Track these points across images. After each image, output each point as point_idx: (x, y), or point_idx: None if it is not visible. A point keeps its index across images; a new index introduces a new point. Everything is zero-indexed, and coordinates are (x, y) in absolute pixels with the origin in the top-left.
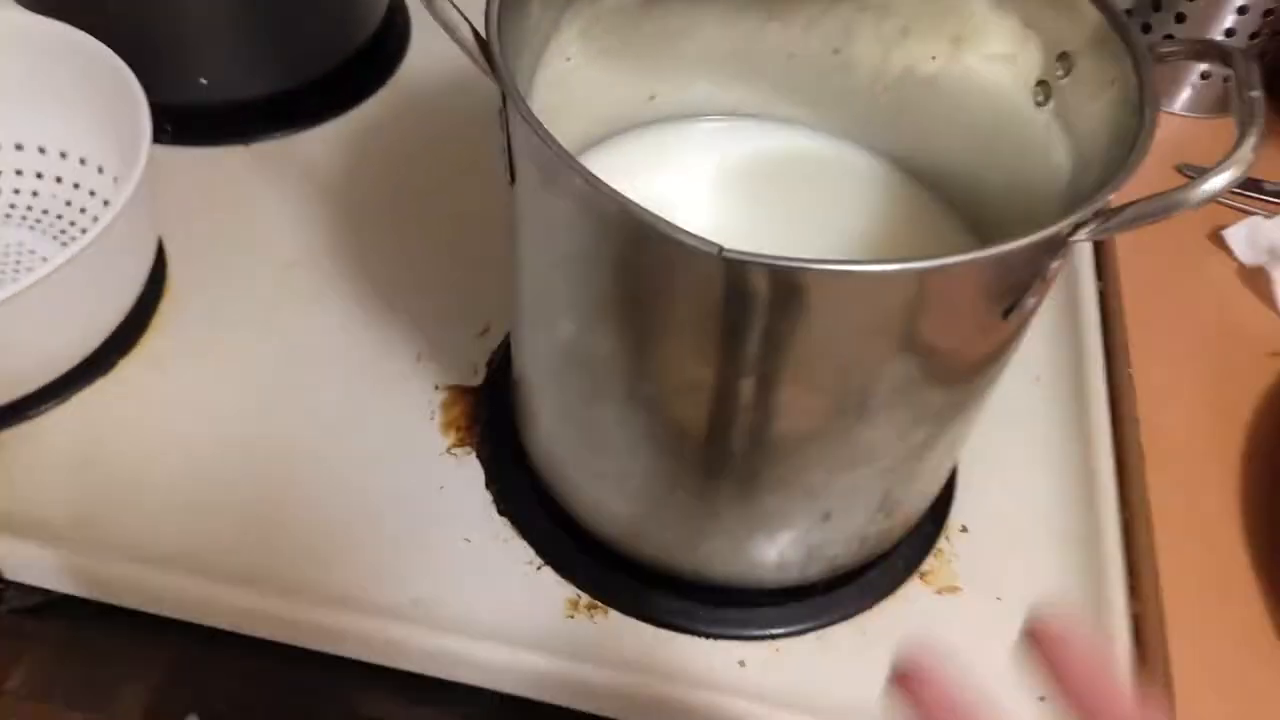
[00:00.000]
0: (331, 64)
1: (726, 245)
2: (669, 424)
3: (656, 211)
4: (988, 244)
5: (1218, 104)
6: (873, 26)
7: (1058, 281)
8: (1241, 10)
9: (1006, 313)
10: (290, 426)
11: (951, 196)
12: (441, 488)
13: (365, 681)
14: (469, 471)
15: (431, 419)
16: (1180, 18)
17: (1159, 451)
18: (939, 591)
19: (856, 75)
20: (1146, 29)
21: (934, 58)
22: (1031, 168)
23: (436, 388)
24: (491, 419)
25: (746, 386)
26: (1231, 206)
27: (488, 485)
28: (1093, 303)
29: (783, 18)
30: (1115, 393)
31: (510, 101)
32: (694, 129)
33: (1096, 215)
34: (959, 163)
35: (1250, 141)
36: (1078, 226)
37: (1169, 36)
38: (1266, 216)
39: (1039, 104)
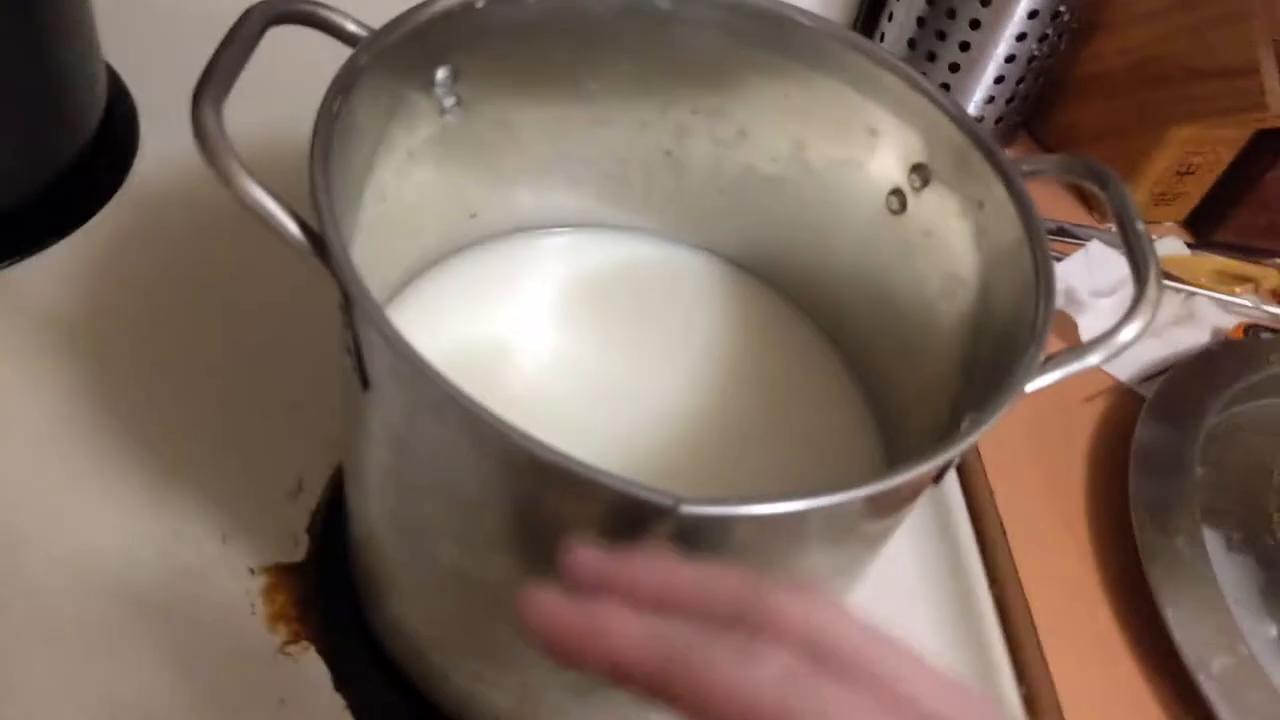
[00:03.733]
0: (45, 176)
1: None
2: None
3: (497, 342)
4: (843, 348)
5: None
6: (706, 128)
7: None
8: (1031, 15)
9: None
10: (75, 664)
11: (800, 296)
12: (282, 701)
13: None
14: (311, 673)
15: (253, 613)
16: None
17: (1012, 521)
18: None
19: (689, 176)
20: (941, 36)
21: (774, 159)
22: (890, 271)
23: (253, 571)
24: (327, 600)
25: None
26: None
27: (337, 687)
28: None
29: (611, 122)
30: (965, 478)
31: (364, 319)
32: (521, 247)
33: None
34: (806, 262)
35: (1151, 285)
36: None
37: (965, 44)
38: (1056, 259)
39: (894, 211)
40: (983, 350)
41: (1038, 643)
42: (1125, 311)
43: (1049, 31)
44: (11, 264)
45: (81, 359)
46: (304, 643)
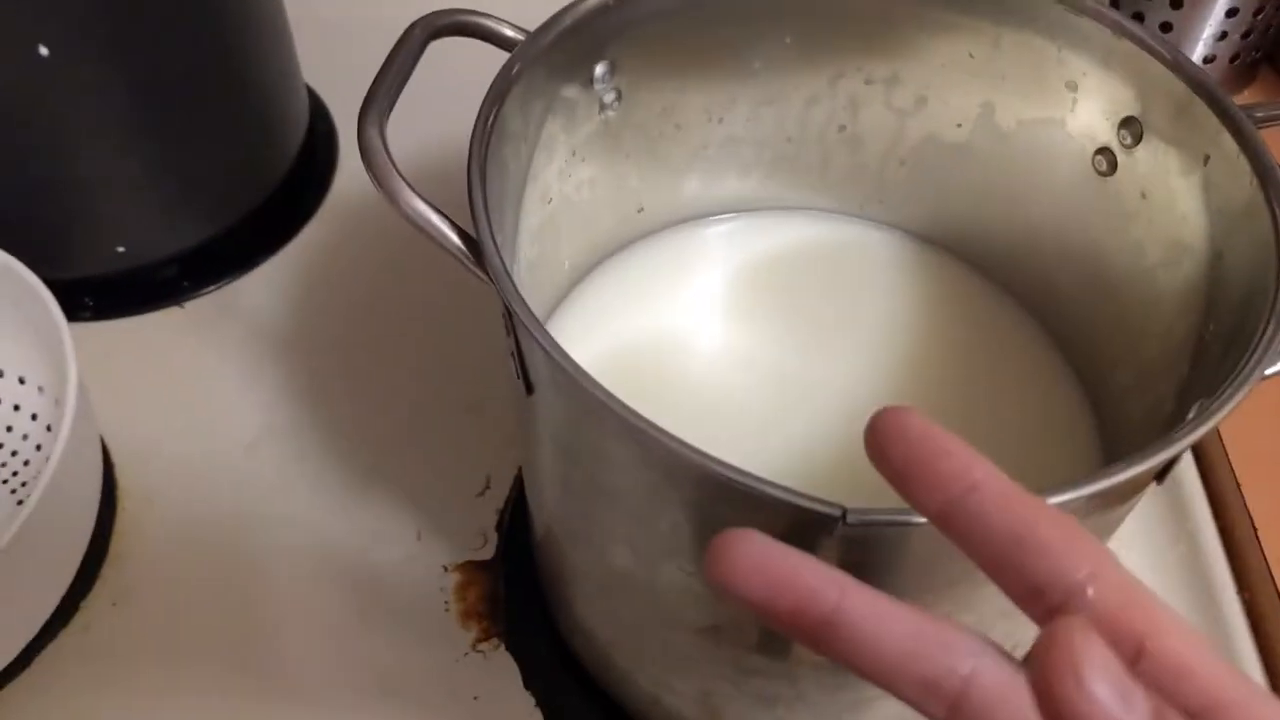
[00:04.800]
0: (259, 199)
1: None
2: (742, 644)
3: (674, 337)
4: (1051, 326)
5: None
6: (882, 98)
7: None
8: None
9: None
10: (282, 655)
11: (998, 271)
12: (475, 698)
13: None
14: (502, 671)
15: (447, 610)
16: (1176, 2)
17: (1266, 517)
18: None
19: (866, 150)
20: (1139, 17)
21: (960, 125)
22: (1101, 239)
23: (446, 569)
24: (515, 599)
25: None
26: None
27: (527, 685)
28: None
29: (778, 101)
30: (1206, 467)
31: (523, 327)
32: (690, 237)
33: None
34: (1003, 234)
35: None
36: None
37: (1166, 25)
38: None
39: (1102, 173)
40: (1215, 327)
41: None
42: None
43: None
44: (235, 279)
45: (289, 365)
46: (494, 640)
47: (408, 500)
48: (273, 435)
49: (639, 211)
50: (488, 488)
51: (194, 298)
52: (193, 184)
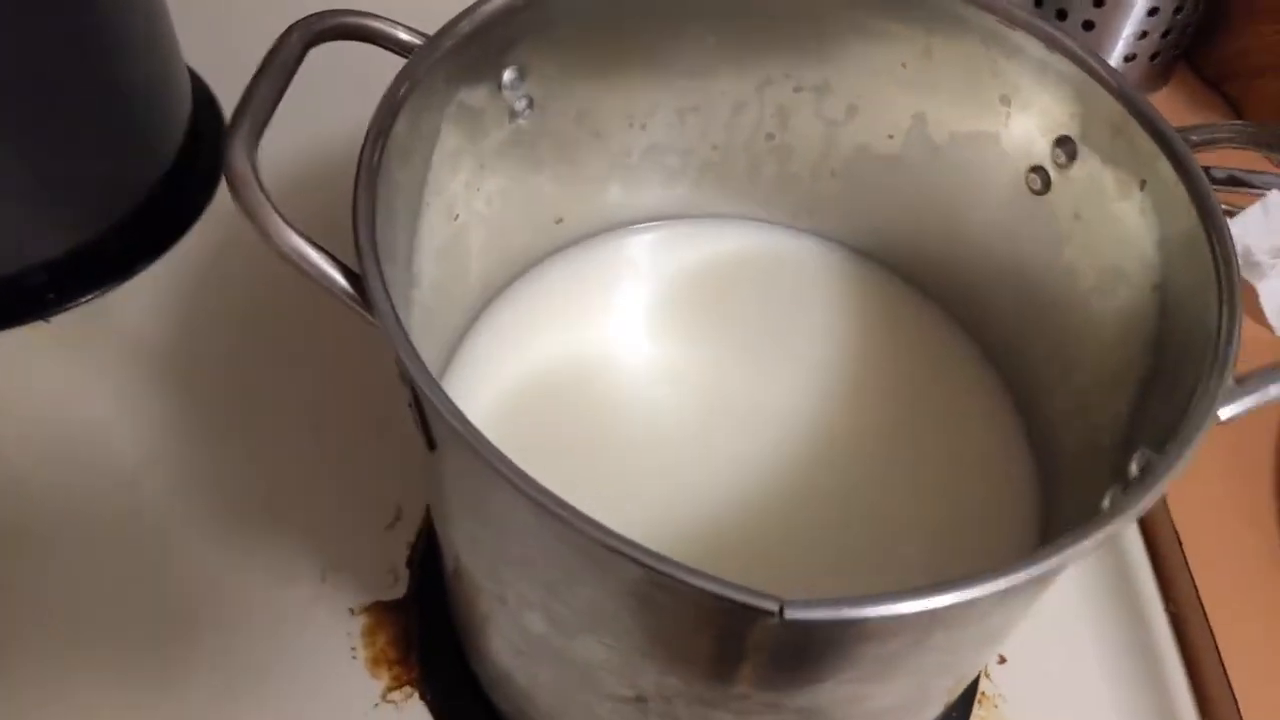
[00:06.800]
0: (134, 200)
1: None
2: (669, 715)
3: (594, 359)
4: (985, 345)
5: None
6: (812, 107)
7: None
8: None
9: None
10: (174, 709)
11: (933, 287)
12: None
13: None
14: None
15: (354, 657)
16: (1099, 1)
17: (1191, 533)
18: None
19: (796, 160)
20: (1062, 15)
21: (891, 136)
22: (1034, 260)
23: (352, 611)
24: (430, 642)
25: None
26: None
27: None
28: None
29: (704, 108)
30: None
31: (419, 388)
32: (612, 247)
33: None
34: (938, 250)
35: None
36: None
37: (1089, 23)
38: (1229, 213)
39: (1036, 192)
40: (1155, 362)
41: (1224, 671)
42: None
43: None
44: (108, 290)
45: (174, 387)
46: (407, 688)
47: (310, 535)
48: (156, 466)
49: (557, 222)
50: (398, 519)
51: (62, 311)
52: (56, 185)
